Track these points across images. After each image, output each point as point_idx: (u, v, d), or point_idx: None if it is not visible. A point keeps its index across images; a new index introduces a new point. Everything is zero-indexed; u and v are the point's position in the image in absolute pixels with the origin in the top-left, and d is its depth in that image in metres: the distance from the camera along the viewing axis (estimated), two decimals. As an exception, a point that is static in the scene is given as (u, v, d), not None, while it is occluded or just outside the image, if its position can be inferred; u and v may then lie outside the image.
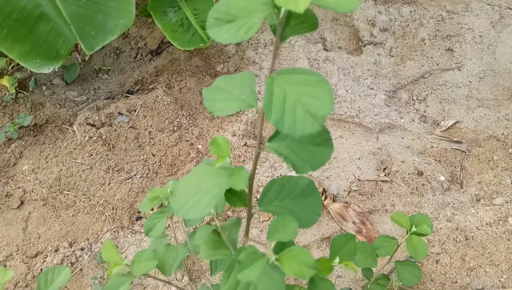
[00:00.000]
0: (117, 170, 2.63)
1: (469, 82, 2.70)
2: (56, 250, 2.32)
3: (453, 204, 2.17)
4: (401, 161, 2.35)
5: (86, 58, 3.32)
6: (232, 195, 0.76)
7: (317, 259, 0.79)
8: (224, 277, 0.73)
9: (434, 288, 1.91)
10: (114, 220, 2.38)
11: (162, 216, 1.14)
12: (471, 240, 2.03)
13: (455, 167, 2.33)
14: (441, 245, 2.04)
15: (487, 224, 2.07)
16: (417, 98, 2.71)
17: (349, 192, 2.28)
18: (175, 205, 0.70)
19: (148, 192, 1.17)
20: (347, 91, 2.64)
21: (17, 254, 2.32)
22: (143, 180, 2.54)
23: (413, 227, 1.34)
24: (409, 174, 2.30)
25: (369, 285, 1.44)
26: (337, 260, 0.82)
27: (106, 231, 2.34)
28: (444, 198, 2.20)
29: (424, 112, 2.63)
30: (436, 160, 2.35)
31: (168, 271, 0.89)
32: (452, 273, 1.96)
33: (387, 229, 2.13)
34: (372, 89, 2.71)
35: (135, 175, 2.57)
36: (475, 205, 2.15)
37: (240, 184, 0.64)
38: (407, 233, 1.37)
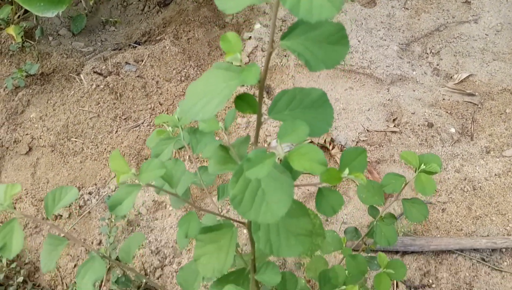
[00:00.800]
0: (125, 119, 2.62)
1: (486, 35, 2.63)
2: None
3: (462, 155, 2.15)
4: (411, 113, 2.31)
5: (91, 2, 3.25)
6: (241, 101, 0.74)
7: (327, 170, 0.78)
8: (232, 181, 0.72)
9: (439, 235, 1.91)
10: (121, 166, 2.38)
11: (169, 142, 1.12)
12: (478, 190, 2.02)
13: (466, 120, 2.29)
14: (448, 195, 2.03)
15: (495, 175, 2.05)
16: (430, 51, 2.64)
17: (357, 142, 2.26)
18: (184, 107, 0.68)
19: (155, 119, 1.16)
20: (359, 41, 2.58)
21: (26, 197, 2.35)
22: (150, 128, 2.53)
23: (422, 165, 1.33)
24: (419, 125, 2.27)
25: (375, 223, 1.43)
26: (346, 171, 0.81)
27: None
28: (454, 150, 2.18)
29: (437, 65, 2.57)
30: (447, 112, 2.32)
31: (176, 184, 0.88)
32: (458, 221, 1.95)
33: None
34: (385, 40, 2.64)
35: (142, 123, 2.57)
36: (484, 157, 2.13)
37: (251, 79, 0.62)
38: (415, 172, 1.35)
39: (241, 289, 0.83)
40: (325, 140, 2.26)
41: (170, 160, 0.95)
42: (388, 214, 1.51)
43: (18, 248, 0.93)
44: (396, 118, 2.30)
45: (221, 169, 0.87)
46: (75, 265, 2.11)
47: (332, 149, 2.24)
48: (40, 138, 2.59)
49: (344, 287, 0.99)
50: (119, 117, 2.63)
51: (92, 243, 2.15)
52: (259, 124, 0.75)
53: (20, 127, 2.67)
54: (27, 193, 2.37)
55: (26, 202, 2.32)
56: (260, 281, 0.90)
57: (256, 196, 0.72)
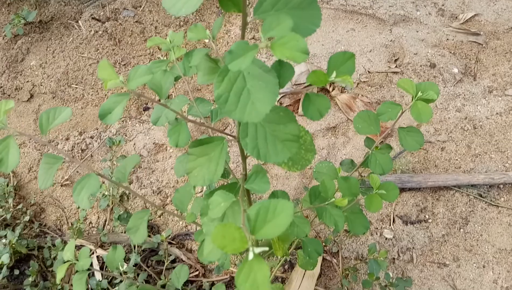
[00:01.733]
0: (124, 64, 2.60)
1: (493, -27, 2.54)
2: (67, 139, 2.36)
3: (464, 95, 2.12)
4: (414, 54, 2.27)
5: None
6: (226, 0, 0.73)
7: (312, 71, 0.77)
8: (218, 81, 0.72)
9: (436, 175, 1.92)
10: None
11: (162, 64, 1.12)
12: (479, 129, 2.01)
13: (469, 60, 2.25)
14: (448, 134, 2.02)
15: (497, 113, 2.03)
16: (435, -8, 2.56)
17: (358, 83, 2.23)
18: (167, 4, 0.67)
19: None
20: (361, -19, 2.51)
21: (29, 142, 2.38)
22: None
23: (419, 93, 1.32)
24: (421, 66, 2.23)
25: (371, 153, 1.44)
26: (333, 74, 0.80)
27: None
28: (456, 90, 2.15)
29: (442, 5, 2.50)
30: (450, 52, 2.27)
31: (164, 94, 0.88)
32: (457, 159, 1.96)
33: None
34: (388, -20, 2.56)
35: (142, 68, 2.55)
36: (486, 96, 2.10)
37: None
38: (412, 100, 1.34)
39: (230, 193, 0.84)
40: (325, 82, 2.23)
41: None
42: (384, 145, 1.51)
43: (15, 163, 0.95)
44: (398, 58, 2.26)
45: (209, 79, 0.86)
46: (78, 206, 2.15)
47: (332, 90, 2.22)
48: (41, 85, 2.59)
49: (333, 199, 1.00)
50: (119, 63, 2.61)
51: (95, 184, 2.18)
52: (245, 24, 0.74)
53: (20, 74, 2.67)
54: (30, 139, 2.40)
55: (29, 147, 2.35)
56: (250, 190, 0.92)
57: (241, 95, 0.71)
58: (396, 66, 2.24)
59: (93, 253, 2.13)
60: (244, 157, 0.98)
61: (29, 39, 2.79)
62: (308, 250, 1.25)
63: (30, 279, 1.89)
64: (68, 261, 1.27)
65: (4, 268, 1.88)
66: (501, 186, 1.87)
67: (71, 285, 1.89)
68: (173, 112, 0.96)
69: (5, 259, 1.72)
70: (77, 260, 1.29)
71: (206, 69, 0.88)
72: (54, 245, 2.00)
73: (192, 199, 1.17)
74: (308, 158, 0.99)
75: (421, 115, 1.32)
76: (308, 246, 1.26)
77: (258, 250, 0.63)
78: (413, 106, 1.33)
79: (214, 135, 0.96)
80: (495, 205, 1.85)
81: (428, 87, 1.37)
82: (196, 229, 1.98)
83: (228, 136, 0.94)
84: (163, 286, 1.81)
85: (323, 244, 1.79)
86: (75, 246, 1.92)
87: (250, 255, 0.63)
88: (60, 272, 1.22)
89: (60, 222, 2.15)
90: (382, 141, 2.05)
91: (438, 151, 1.99)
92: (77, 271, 1.30)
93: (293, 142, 0.82)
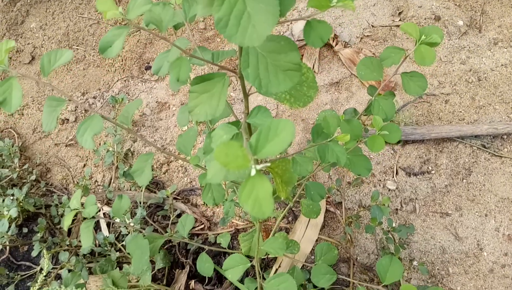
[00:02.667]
0: (125, 24, 2.57)
1: None
2: (69, 100, 2.36)
3: (469, 47, 2.10)
4: (418, 6, 2.23)
5: None
6: None
7: (314, -5, 0.76)
8: (217, 5, 0.71)
9: (440, 126, 1.91)
10: (124, 71, 2.38)
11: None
12: (483, 81, 1.99)
13: (475, 12, 2.21)
14: (452, 86, 2.00)
15: (502, 65, 2.01)
16: None
17: (361, 38, 2.20)
18: None
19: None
20: None
21: (32, 103, 2.38)
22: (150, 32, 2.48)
23: (423, 36, 1.30)
24: (425, 18, 2.19)
25: (374, 99, 1.43)
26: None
27: (117, 81, 2.36)
28: (460, 42, 2.12)
29: (448, -43, 2.43)
30: (455, 4, 2.23)
31: (164, 28, 0.88)
32: (461, 112, 1.95)
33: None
34: None
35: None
36: (492, 48, 2.07)
37: None
38: (415, 44, 1.32)
39: (231, 126, 0.84)
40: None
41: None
42: (387, 91, 1.50)
43: (18, 103, 0.95)
44: (402, 12, 2.22)
45: (210, 11, 0.85)
46: (84, 165, 2.18)
47: (335, 45, 2.19)
48: (42, 47, 2.57)
49: (336, 135, 1.01)
50: (119, 23, 2.58)
51: (99, 144, 2.20)
52: None
53: (21, 37, 2.65)
54: (33, 101, 2.40)
55: (32, 108, 2.36)
56: (252, 124, 0.92)
57: (242, 18, 0.70)
58: (400, 20, 2.20)
59: (99, 210, 2.17)
60: (246, 95, 0.97)
61: (28, 1, 2.76)
62: (311, 194, 1.27)
63: (39, 235, 1.93)
64: (75, 209, 1.29)
65: (13, 226, 1.91)
66: (505, 136, 1.87)
67: (79, 241, 1.92)
68: (175, 52, 0.96)
69: (13, 213, 1.75)
70: (83, 208, 1.31)
71: (206, 0, 0.87)
72: (60, 203, 2.04)
73: (195, 143, 1.17)
74: (310, 95, 0.98)
75: (424, 59, 1.31)
76: (311, 189, 1.27)
77: (260, 166, 0.64)
78: (417, 50, 1.32)
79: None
80: (499, 156, 1.85)
81: (431, 30, 1.35)
82: (200, 184, 2.00)
83: (229, 72, 0.93)
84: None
85: (327, 194, 1.81)
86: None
87: (252, 172, 0.64)
88: (67, 220, 1.24)
89: (66, 181, 2.17)
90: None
91: (442, 104, 1.98)
92: (84, 219, 1.32)
93: (295, 71, 0.81)
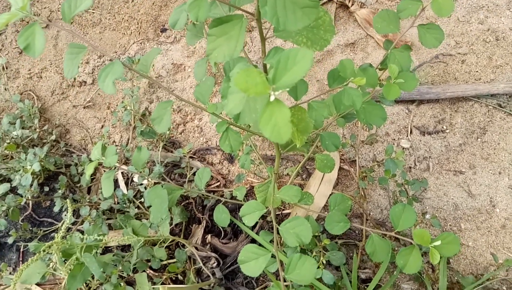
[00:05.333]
0: (139, -13, 2.58)
1: None
2: (87, 62, 2.40)
3: (488, 7, 2.06)
4: (436, -34, 2.18)
5: None
6: None
7: None
8: None
9: (455, 85, 1.90)
10: (139, 33, 2.40)
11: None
12: (501, 40, 1.97)
13: (495, -30, 2.16)
14: (470, 46, 1.98)
15: (521, 24, 1.98)
16: None
17: (377, -2, 2.18)
18: None
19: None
20: None
21: (50, 66, 2.42)
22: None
23: (441, -13, 1.29)
24: (443, -22, 2.15)
25: (389, 52, 1.43)
26: None
27: (133, 43, 2.38)
28: (479, 2, 2.08)
29: None
30: (475, -37, 2.18)
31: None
32: (477, 71, 1.93)
33: (415, 32, 2.07)
34: None
35: (157, -10, 2.52)
36: (511, 7, 2.03)
37: None
38: (433, -4, 1.31)
39: (252, 66, 0.86)
40: (343, -3, 2.19)
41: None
42: (404, 45, 1.49)
43: (41, 48, 0.98)
44: (420, -29, 2.18)
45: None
46: (102, 126, 2.22)
47: (351, 6, 2.17)
48: (58, 10, 2.60)
49: (352, 78, 1.02)
50: (134, -14, 2.59)
51: (117, 105, 2.24)
52: None
53: (37, 1, 2.68)
54: (51, 64, 2.44)
55: (51, 71, 2.40)
56: (270, 65, 0.94)
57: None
58: (417, -21, 2.16)
59: (117, 169, 2.22)
60: (263, 39, 0.99)
61: (43, -34, 2.77)
62: (326, 144, 1.29)
63: (60, 191, 1.99)
64: (96, 159, 1.33)
65: (35, 183, 1.98)
66: (522, 95, 1.86)
67: (99, 198, 1.99)
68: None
69: (36, 167, 1.81)
70: (104, 158, 1.34)
71: None
72: (80, 162, 2.09)
73: (212, 92, 1.20)
74: (327, 38, 0.99)
75: (442, 9, 1.30)
76: (326, 139, 1.29)
77: (278, 92, 0.66)
78: (434, 0, 1.31)
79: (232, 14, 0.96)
80: (515, 115, 1.84)
81: (449, -19, 1.34)
82: (216, 144, 2.04)
83: (247, 14, 0.95)
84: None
85: (340, 151, 1.83)
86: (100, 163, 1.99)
87: (272, 98, 0.66)
88: (89, 169, 1.28)
89: (84, 141, 2.22)
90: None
91: (458, 64, 1.96)
92: (104, 171, 1.36)
93: (312, 8, 0.82)
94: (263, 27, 0.96)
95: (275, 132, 0.66)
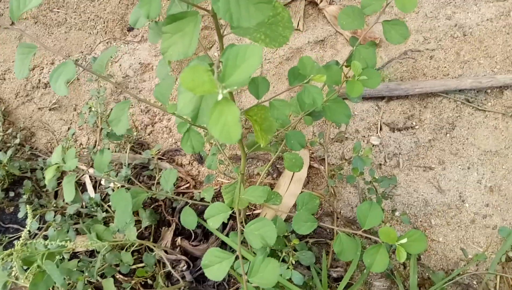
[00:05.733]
0: (106, -15, 2.51)
1: None
2: (52, 63, 2.33)
3: (455, 2, 2.07)
4: (404, -38, 2.19)
5: None
6: None
7: None
8: None
9: (424, 81, 1.90)
10: (106, 33, 2.34)
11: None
12: (468, 36, 1.98)
13: (461, -33, 2.18)
14: (437, 42, 1.99)
15: (487, 19, 1.99)
16: None
17: (346, -5, 2.17)
18: None
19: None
20: None
21: (14, 68, 2.34)
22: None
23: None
24: (411, -26, 2.16)
25: (355, 48, 1.42)
26: None
27: (99, 43, 2.31)
28: (446, -2, 2.10)
29: None
30: (442, -41, 2.19)
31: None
32: (445, 67, 1.94)
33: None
34: None
35: (124, -12, 2.46)
36: (478, 3, 2.05)
37: None
38: (396, -9, 1.30)
39: (203, 64, 0.83)
40: (313, -6, 2.17)
41: None
42: (369, 41, 1.48)
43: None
44: (388, -33, 2.18)
45: None
46: (68, 128, 2.16)
47: (320, 2, 2.16)
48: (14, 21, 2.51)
49: (312, 76, 1.00)
50: (100, -15, 2.52)
51: (82, 106, 2.18)
52: None
53: (1, 1, 2.59)
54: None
55: (14, 73, 2.31)
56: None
57: None
58: (385, -24, 2.16)
59: (84, 173, 2.16)
60: (220, 36, 0.96)
61: (6, -37, 2.68)
62: (291, 143, 1.27)
63: (25, 196, 1.93)
64: (56, 163, 1.28)
65: (-1, 189, 1.91)
66: (489, 90, 1.87)
67: (66, 203, 1.93)
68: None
69: (-4, 172, 1.74)
70: (64, 162, 1.30)
71: None
72: (46, 166, 2.03)
73: (172, 91, 1.16)
74: (286, 35, 0.97)
75: (405, 5, 1.30)
76: (291, 138, 1.27)
77: (226, 90, 0.63)
78: (397, -4, 1.30)
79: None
80: (482, 110, 1.85)
81: (412, -23, 1.33)
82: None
83: (202, 10, 0.92)
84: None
85: (310, 150, 1.82)
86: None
87: (219, 97, 0.63)
88: (48, 173, 1.23)
89: (50, 144, 2.16)
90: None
91: (427, 60, 1.97)
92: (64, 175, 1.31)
93: (265, 4, 0.79)
94: (219, 23, 0.93)
95: (224, 132, 0.63)
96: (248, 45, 0.66)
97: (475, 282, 1.68)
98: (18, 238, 1.97)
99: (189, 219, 1.41)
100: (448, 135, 1.84)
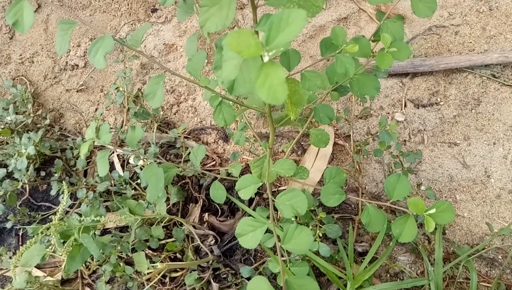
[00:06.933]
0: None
1: None
2: (79, 45, 2.37)
3: (481, -23, 2.05)
4: None
5: None
6: None
7: None
8: None
9: (449, 56, 1.90)
10: (130, 15, 2.37)
11: None
12: (495, 10, 1.96)
13: None
14: (463, 17, 1.97)
15: (514, -6, 1.96)
16: None
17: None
18: None
19: None
20: None
21: (42, 51, 2.39)
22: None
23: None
24: (435, -50, 2.13)
25: (382, 23, 1.42)
26: None
27: (124, 25, 2.35)
28: (471, -27, 2.07)
29: None
30: None
31: None
32: (471, 42, 1.93)
33: (407, 5, 2.06)
34: None
35: (146, -30, 2.49)
36: (504, -23, 2.02)
37: None
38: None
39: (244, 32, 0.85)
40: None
41: None
42: (396, 15, 1.48)
43: (29, 23, 0.97)
44: None
45: None
46: (95, 109, 2.21)
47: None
48: (47, -6, 2.56)
49: (344, 46, 1.02)
50: (123, -33, 2.55)
51: (109, 87, 2.22)
52: None
53: (25, -14, 2.63)
54: (42, 48, 2.41)
55: (42, 56, 2.37)
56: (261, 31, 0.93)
57: None
58: (409, -48, 2.14)
59: (113, 152, 2.22)
60: (254, 7, 0.98)
61: (29, -51, 2.72)
62: (320, 116, 1.29)
63: (56, 175, 1.99)
64: (90, 139, 1.32)
65: (31, 167, 1.97)
66: (515, 66, 1.86)
67: (96, 181, 1.99)
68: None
69: (31, 150, 1.80)
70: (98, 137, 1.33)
71: None
72: (75, 146, 2.09)
73: (205, 65, 1.19)
74: (319, 5, 0.98)
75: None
76: (320, 111, 1.29)
77: (272, 52, 0.66)
78: (426, -33, 1.29)
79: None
80: (509, 85, 1.84)
81: None
82: (211, 123, 2.03)
83: (238, -18, 0.94)
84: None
85: (335, 127, 1.83)
86: (95, 146, 1.98)
87: (265, 59, 0.66)
88: (83, 149, 1.27)
89: (79, 125, 2.21)
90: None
91: (452, 35, 1.96)
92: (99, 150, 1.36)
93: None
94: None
95: (271, 93, 0.65)
96: (292, 10, 0.68)
97: (500, 257, 1.69)
98: (50, 215, 2.04)
99: (218, 193, 1.45)
100: (473, 110, 1.83)
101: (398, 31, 1.35)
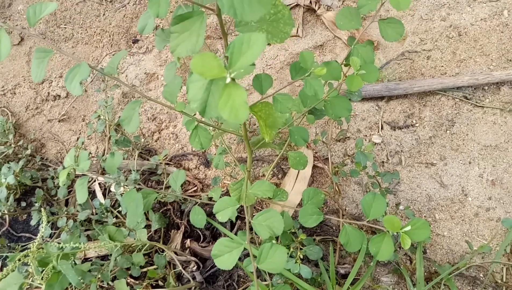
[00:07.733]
0: (110, 1, 2.60)
1: None
2: (61, 76, 2.40)
3: (449, 4, 2.14)
4: (399, -32, 2.26)
5: None
6: None
7: None
8: None
9: (422, 80, 1.96)
10: (112, 46, 2.41)
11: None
12: (463, 36, 2.04)
13: (454, -30, 2.25)
14: (434, 43, 2.05)
15: (481, 19, 2.05)
16: None
17: (343, 1, 2.24)
18: None
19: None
20: None
21: (24, 82, 2.41)
22: (136, 6, 2.51)
23: (398, -18, 1.34)
24: (406, -21, 2.23)
25: (353, 47, 1.47)
26: None
27: (106, 55, 2.39)
28: (440, 0, 2.16)
29: None
30: (435, -36, 2.27)
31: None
32: (442, 66, 1.99)
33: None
34: None
35: (128, 3, 2.55)
36: (471, 4, 2.11)
37: None
38: (391, -9, 1.36)
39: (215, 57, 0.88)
40: (310, 1, 2.24)
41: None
42: (366, 40, 1.54)
43: (6, 53, 0.99)
44: (383, -27, 2.25)
45: None
46: (77, 138, 2.22)
47: (318, 9, 2.23)
48: (30, 28, 2.60)
49: (312, 69, 1.05)
50: (105, 0, 2.60)
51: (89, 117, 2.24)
52: None
53: (9, 19, 2.68)
54: (25, 80, 2.43)
55: (24, 87, 2.39)
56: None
57: None
58: (381, -19, 2.23)
59: (94, 180, 2.21)
60: (224, 33, 1.02)
61: (13, -16, 2.77)
62: (295, 138, 1.32)
63: (37, 205, 1.97)
64: (69, 166, 1.32)
65: (11, 198, 1.96)
66: (486, 87, 1.92)
67: (77, 210, 1.97)
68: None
69: (11, 180, 1.79)
70: (77, 165, 1.34)
71: None
72: (56, 176, 2.08)
73: (181, 91, 1.22)
74: (287, 31, 1.02)
75: (400, 4, 1.35)
76: (295, 134, 1.32)
77: (234, 74, 0.69)
78: (392, -5, 1.35)
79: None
80: (480, 106, 1.90)
81: (406, -23, 1.38)
82: (192, 149, 2.05)
83: (207, 9, 0.98)
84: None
85: (314, 150, 1.86)
86: (76, 175, 1.98)
87: (228, 80, 0.69)
88: (62, 176, 1.27)
89: (60, 155, 2.21)
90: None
91: (424, 60, 2.03)
92: (77, 177, 1.36)
93: (267, -1, 0.85)
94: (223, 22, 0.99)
95: (233, 113, 0.68)
96: (252, 33, 0.71)
97: (481, 275, 1.70)
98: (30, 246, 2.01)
99: (198, 218, 1.46)
100: (448, 131, 1.88)
101: (368, 55, 1.40)
